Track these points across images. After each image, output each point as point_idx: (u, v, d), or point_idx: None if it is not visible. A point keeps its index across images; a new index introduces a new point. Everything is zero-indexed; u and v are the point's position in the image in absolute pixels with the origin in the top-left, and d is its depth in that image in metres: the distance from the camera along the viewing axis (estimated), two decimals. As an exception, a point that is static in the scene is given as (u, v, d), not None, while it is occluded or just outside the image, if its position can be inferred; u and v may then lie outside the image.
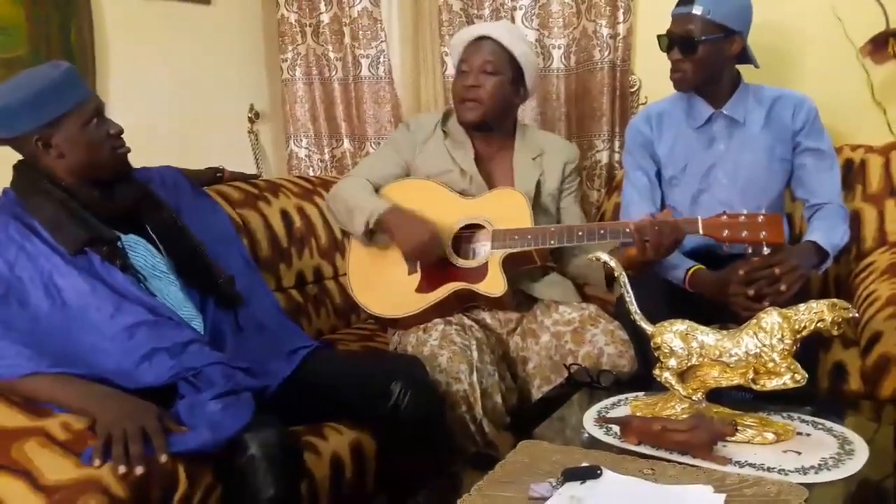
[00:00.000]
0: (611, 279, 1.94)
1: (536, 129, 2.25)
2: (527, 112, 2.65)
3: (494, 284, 1.90)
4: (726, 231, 1.72)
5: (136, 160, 1.70)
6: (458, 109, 2.03)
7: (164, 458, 1.24)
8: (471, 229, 1.98)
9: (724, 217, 1.74)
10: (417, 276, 1.97)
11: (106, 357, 1.42)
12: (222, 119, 2.85)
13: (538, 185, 2.04)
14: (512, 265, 1.93)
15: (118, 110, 2.39)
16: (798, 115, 1.98)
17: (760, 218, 1.70)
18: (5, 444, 1.25)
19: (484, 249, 1.95)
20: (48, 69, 1.50)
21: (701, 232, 1.75)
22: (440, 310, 1.94)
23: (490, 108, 1.99)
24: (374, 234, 1.96)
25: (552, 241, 1.88)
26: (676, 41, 1.92)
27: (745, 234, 1.71)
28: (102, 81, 2.41)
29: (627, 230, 1.80)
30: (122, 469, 1.21)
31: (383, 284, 2.00)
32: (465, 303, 1.97)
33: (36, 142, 1.49)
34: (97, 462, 1.22)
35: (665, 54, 1.96)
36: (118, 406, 1.31)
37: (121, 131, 1.56)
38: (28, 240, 1.46)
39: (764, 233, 1.70)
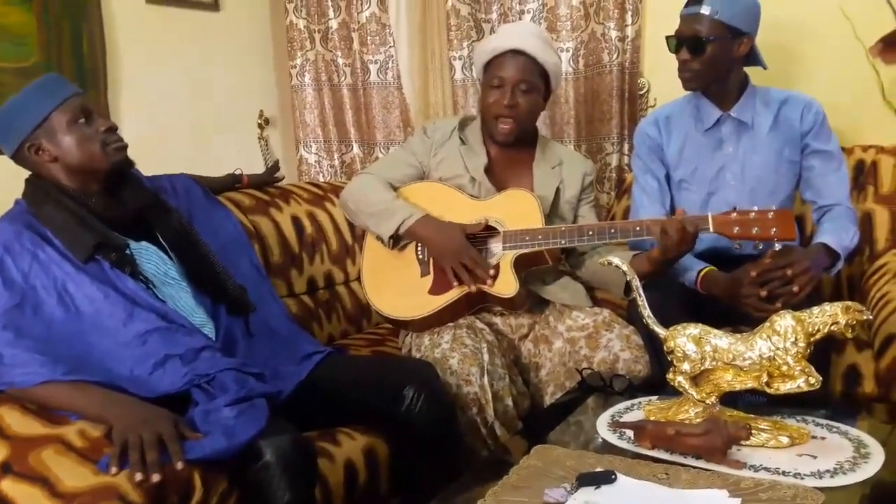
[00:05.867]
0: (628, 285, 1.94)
1: (555, 142, 2.26)
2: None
3: (506, 285, 1.90)
4: (737, 228, 1.72)
5: (147, 167, 1.71)
6: (493, 126, 1.99)
7: (180, 465, 1.25)
8: (482, 231, 1.98)
9: (735, 214, 1.73)
10: (430, 278, 1.97)
11: (120, 364, 1.43)
12: (232, 125, 2.87)
13: (557, 193, 2.04)
14: (524, 265, 1.93)
15: (129, 117, 2.43)
16: (806, 118, 1.98)
17: (771, 214, 1.70)
18: (23, 452, 1.26)
19: (495, 251, 1.96)
20: (33, 82, 1.52)
21: (711, 229, 1.74)
22: (452, 312, 1.94)
23: (524, 125, 2.00)
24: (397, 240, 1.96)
25: (563, 241, 1.88)
26: (685, 41, 1.92)
27: (755, 230, 1.70)
28: (114, 88, 2.43)
29: (638, 228, 1.80)
30: (138, 476, 1.21)
31: (396, 287, 2.00)
32: (478, 304, 1.97)
33: (28, 149, 1.50)
34: (114, 469, 1.23)
35: (673, 56, 1.97)
36: (134, 413, 1.32)
37: (113, 127, 1.56)
38: (41, 248, 1.47)
39: (775, 229, 1.69)
